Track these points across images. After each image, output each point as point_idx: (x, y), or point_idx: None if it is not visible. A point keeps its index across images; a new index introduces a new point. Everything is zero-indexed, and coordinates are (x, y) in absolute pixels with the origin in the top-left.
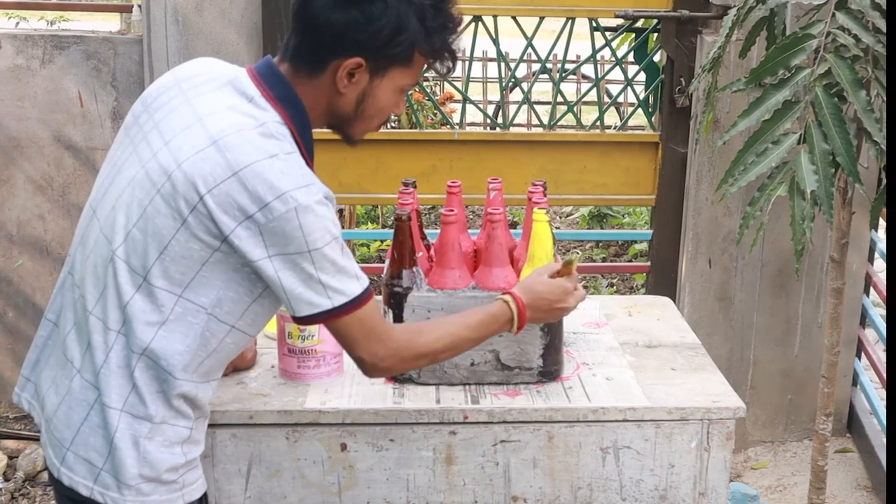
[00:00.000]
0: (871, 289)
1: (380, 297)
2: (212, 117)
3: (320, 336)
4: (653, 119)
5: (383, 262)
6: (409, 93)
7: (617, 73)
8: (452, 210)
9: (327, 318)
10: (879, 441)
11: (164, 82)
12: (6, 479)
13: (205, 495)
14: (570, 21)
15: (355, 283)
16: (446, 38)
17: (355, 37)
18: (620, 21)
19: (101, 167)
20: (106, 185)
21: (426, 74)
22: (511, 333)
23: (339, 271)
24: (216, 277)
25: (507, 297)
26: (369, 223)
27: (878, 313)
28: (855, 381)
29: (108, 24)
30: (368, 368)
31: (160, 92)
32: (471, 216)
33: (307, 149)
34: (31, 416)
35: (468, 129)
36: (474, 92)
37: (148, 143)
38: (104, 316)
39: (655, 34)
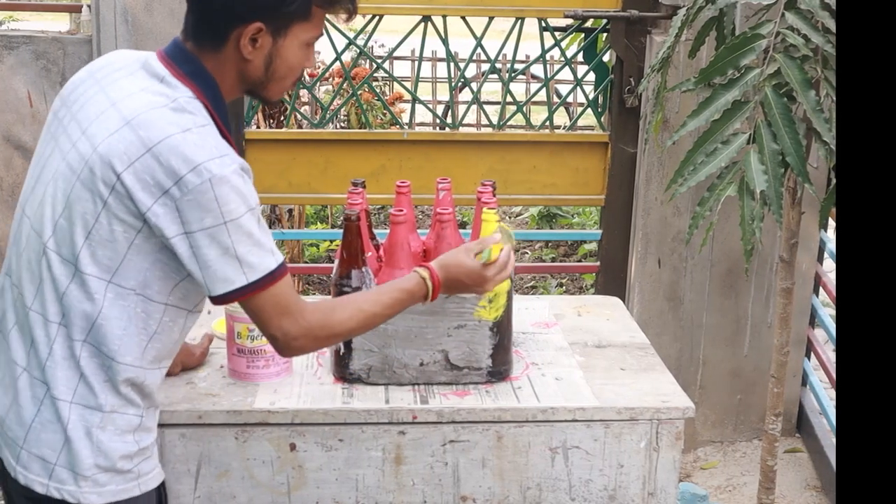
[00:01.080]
0: (821, 289)
1: (329, 297)
2: (125, 101)
3: None
4: (602, 119)
5: (332, 262)
6: (359, 93)
7: (566, 74)
8: (402, 210)
9: (242, 294)
10: (829, 441)
11: (79, 76)
12: None
13: (163, 485)
14: (519, 21)
15: (270, 258)
16: None
17: (249, 2)
18: (570, 21)
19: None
20: (32, 183)
21: (375, 74)
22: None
23: (255, 244)
24: (142, 259)
25: (425, 274)
26: (318, 223)
27: (828, 313)
28: (804, 381)
29: (57, 24)
30: (281, 346)
31: (76, 86)
32: (420, 216)
33: (223, 121)
34: None
35: (417, 129)
36: (423, 92)
37: (67, 135)
38: (43, 310)
39: (605, 34)
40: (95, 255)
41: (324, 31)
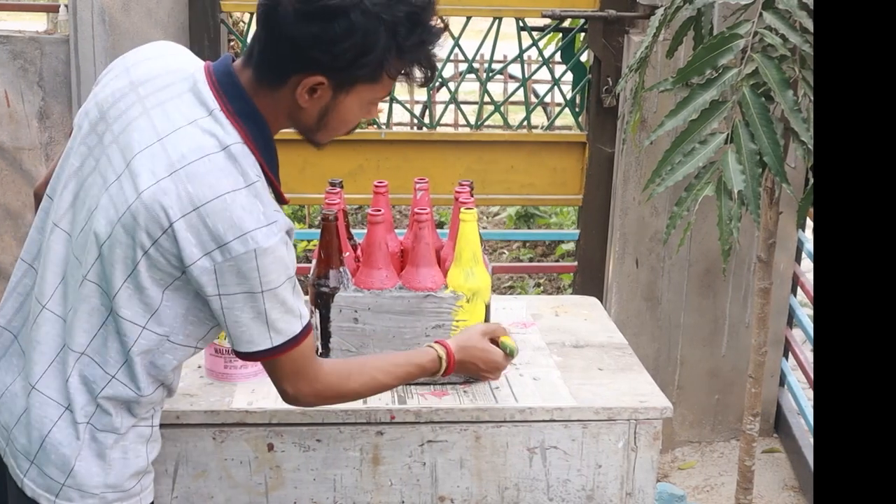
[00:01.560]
0: (799, 289)
1: (306, 297)
2: (172, 137)
3: None
4: (580, 119)
5: (310, 261)
6: None
7: (544, 73)
8: (379, 210)
9: (265, 356)
10: (807, 441)
11: (119, 87)
12: None
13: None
14: (496, 21)
15: (297, 323)
16: (422, 54)
17: (316, 56)
18: (547, 21)
19: (56, 172)
20: (69, 199)
21: None
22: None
23: (287, 311)
24: (178, 306)
25: (443, 353)
26: (296, 223)
27: (806, 313)
28: (782, 381)
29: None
30: (290, 399)
31: (116, 98)
32: (397, 216)
33: (270, 166)
34: None
35: (395, 128)
36: (401, 91)
37: (109, 161)
38: (70, 337)
39: (582, 34)
40: (132, 300)
41: (387, 95)
